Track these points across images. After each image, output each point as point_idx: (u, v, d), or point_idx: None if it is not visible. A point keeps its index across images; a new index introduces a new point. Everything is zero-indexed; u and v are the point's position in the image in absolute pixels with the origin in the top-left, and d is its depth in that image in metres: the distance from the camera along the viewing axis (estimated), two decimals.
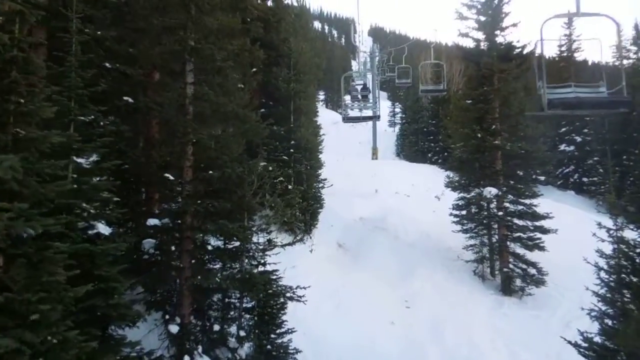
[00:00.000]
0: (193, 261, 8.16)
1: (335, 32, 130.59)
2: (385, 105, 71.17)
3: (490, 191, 15.44)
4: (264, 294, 8.46)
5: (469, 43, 17.48)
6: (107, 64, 8.32)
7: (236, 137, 8.72)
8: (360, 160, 38.17)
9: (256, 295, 8.42)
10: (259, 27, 19.96)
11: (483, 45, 16.99)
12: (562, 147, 33.30)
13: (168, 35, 8.52)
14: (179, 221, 8.02)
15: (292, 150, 17.57)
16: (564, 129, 33.50)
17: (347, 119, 27.37)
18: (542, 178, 16.96)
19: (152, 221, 7.95)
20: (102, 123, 7.13)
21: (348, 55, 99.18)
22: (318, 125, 29.03)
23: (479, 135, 16.38)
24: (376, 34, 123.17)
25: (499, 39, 16.68)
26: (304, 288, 9.43)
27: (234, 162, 8.21)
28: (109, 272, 5.89)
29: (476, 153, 16.49)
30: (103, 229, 6.21)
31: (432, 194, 27.43)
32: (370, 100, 27.60)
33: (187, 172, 8.51)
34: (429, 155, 40.65)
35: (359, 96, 26.42)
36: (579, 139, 32.78)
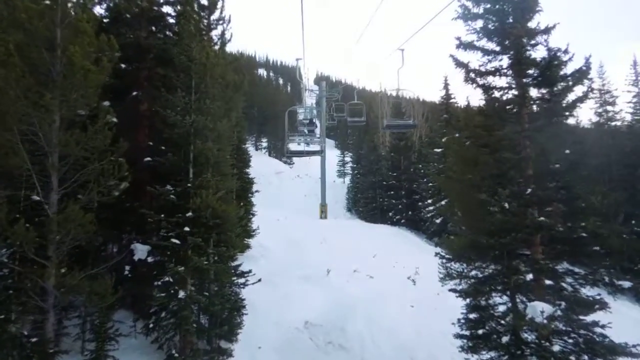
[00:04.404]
0: None
1: (281, 80, 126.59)
2: (333, 154, 65.19)
3: (542, 308, 8.52)
4: None
5: (475, 58, 11.05)
6: None
7: None
8: (307, 220, 30.90)
9: None
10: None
11: (500, 59, 10.65)
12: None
13: None
14: None
15: (187, 229, 10.03)
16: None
17: (290, 153, 26.31)
18: (626, 285, 10.12)
19: None
20: None
21: (294, 102, 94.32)
22: (250, 179, 21.81)
23: (506, 205, 9.67)
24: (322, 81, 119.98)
25: (527, 50, 10.39)
26: None
27: None
28: None
29: (501, 235, 9.69)
30: None
31: (402, 270, 20.54)
32: (317, 135, 27.00)
33: None
34: (390, 214, 33.63)
35: (305, 130, 25.73)
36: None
